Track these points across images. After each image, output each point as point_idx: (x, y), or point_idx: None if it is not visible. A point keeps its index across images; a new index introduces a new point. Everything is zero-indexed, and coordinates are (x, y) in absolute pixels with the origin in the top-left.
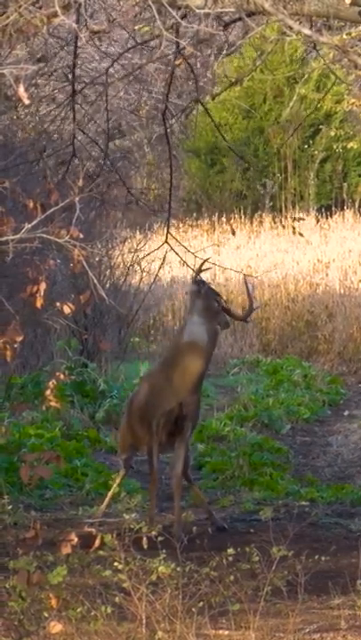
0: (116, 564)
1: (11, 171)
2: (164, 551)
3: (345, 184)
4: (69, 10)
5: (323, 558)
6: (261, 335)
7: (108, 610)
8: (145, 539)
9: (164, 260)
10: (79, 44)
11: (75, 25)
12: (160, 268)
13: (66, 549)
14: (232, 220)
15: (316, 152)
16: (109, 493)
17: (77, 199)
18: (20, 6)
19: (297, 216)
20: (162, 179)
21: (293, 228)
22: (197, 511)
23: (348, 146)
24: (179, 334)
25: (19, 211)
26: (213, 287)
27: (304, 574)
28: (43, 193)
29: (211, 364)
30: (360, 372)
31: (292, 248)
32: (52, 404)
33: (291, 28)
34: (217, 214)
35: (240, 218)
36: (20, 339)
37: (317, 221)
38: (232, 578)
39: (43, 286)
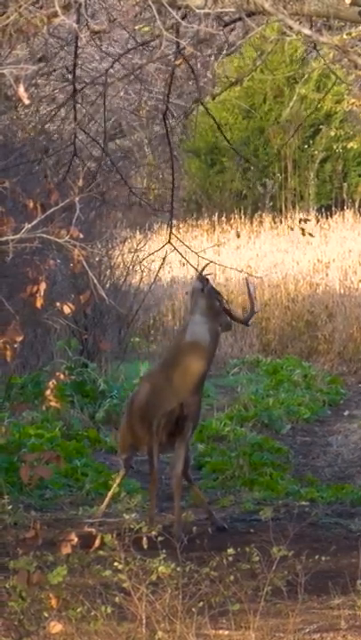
0: (116, 563)
1: (11, 171)
2: (164, 551)
3: (345, 184)
4: (70, 10)
5: (323, 558)
6: (261, 335)
7: (108, 610)
8: (145, 539)
9: (164, 260)
10: (79, 43)
11: (75, 25)
12: (160, 267)
13: (66, 549)
14: (232, 220)
15: (316, 152)
16: (109, 493)
17: (77, 199)
18: (20, 6)
19: (304, 217)
20: (162, 179)
21: (302, 230)
22: (197, 511)
23: (349, 146)
24: (180, 334)
25: (19, 211)
26: (215, 287)
27: (304, 574)
28: (43, 193)
29: (212, 363)
30: (360, 371)
31: (292, 248)
32: (52, 403)
33: (291, 28)
34: (217, 214)
35: (240, 218)
36: (19, 339)
37: (317, 221)
38: (232, 578)
39: (43, 286)
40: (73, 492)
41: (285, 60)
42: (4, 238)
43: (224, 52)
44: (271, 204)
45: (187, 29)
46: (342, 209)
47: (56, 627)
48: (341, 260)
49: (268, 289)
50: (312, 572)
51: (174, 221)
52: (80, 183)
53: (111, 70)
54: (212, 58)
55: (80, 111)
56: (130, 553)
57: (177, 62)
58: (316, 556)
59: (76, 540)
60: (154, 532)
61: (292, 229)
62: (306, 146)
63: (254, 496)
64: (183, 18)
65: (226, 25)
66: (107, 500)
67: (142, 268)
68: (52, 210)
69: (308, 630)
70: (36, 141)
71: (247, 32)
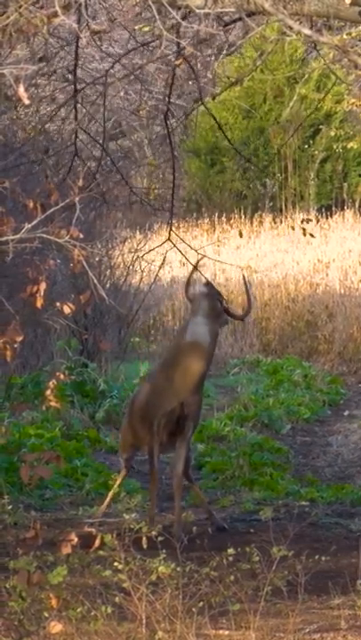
0: (116, 564)
1: (11, 171)
2: (164, 551)
3: (345, 184)
4: (70, 10)
5: (323, 558)
6: (261, 335)
7: (108, 610)
8: (145, 539)
9: (164, 260)
10: (80, 44)
11: (75, 25)
12: (160, 267)
13: (66, 549)
14: (232, 220)
15: (316, 152)
16: (110, 493)
17: (77, 199)
18: (20, 6)
19: (306, 217)
20: (162, 179)
21: (304, 230)
22: (197, 511)
23: (349, 146)
24: (180, 334)
25: (19, 211)
26: (216, 287)
27: (304, 574)
28: (43, 193)
29: (211, 364)
30: (360, 371)
31: (292, 248)
32: (52, 404)
33: (291, 28)
34: (217, 214)
35: (240, 218)
36: (20, 339)
37: (317, 221)
38: (232, 578)
39: (43, 286)
40: (73, 492)
41: (285, 60)
42: (4, 238)
43: (224, 52)
44: (271, 204)
45: (187, 29)
46: (342, 209)
47: (56, 627)
48: (342, 260)
49: (268, 289)
50: (312, 572)
51: (174, 221)
52: (80, 183)
53: (111, 70)
54: (212, 58)
55: (80, 111)
56: (130, 553)
57: (177, 62)
58: (316, 556)
59: (76, 539)
60: (154, 532)
61: (293, 229)
62: (306, 146)
63: (254, 496)
64: (183, 18)
65: (226, 25)
66: (107, 500)
67: (142, 267)
68: (51, 210)
69: (308, 630)
70: (36, 141)
71: (247, 32)
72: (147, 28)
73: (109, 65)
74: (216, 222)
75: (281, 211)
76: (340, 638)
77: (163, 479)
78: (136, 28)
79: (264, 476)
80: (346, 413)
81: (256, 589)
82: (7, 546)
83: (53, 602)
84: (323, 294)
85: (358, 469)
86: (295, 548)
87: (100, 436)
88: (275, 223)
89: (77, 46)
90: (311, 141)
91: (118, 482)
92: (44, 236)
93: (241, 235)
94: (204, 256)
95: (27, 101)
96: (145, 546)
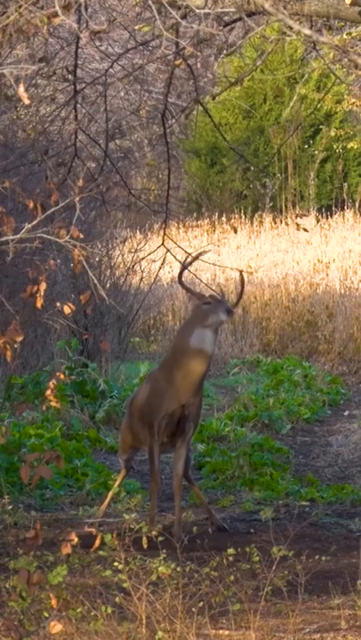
0: (116, 564)
1: (11, 171)
2: (164, 551)
3: (345, 184)
4: (70, 10)
5: (323, 558)
6: (262, 335)
7: (108, 610)
8: (145, 539)
9: (164, 260)
10: (79, 44)
11: (75, 25)
12: (160, 268)
13: (66, 549)
14: (232, 220)
15: (316, 152)
16: (110, 493)
17: (77, 199)
18: (20, 6)
19: (300, 212)
20: (162, 179)
21: (297, 225)
22: (198, 511)
23: (349, 146)
24: (182, 337)
25: (19, 211)
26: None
27: (304, 574)
28: (43, 193)
29: (211, 364)
30: (360, 371)
31: (292, 248)
32: (53, 404)
33: (291, 28)
34: (217, 214)
35: (240, 218)
36: (20, 339)
37: (318, 221)
38: (232, 578)
39: (43, 286)
40: (73, 492)
41: (285, 60)
42: (4, 238)
43: (224, 52)
44: (271, 204)
45: (187, 29)
46: (343, 209)
47: (56, 627)
48: (342, 260)
49: (269, 289)
50: (312, 572)
51: (173, 222)
52: (80, 183)
53: (111, 70)
54: (212, 58)
55: (80, 111)
56: (130, 553)
57: (177, 62)
58: (316, 556)
59: (76, 539)
60: (154, 532)
61: (287, 225)
62: (306, 146)
63: (254, 496)
64: (183, 18)
65: (226, 25)
66: (107, 500)
67: (142, 267)
68: (52, 210)
69: (308, 630)
70: (36, 142)
71: (247, 32)
72: (147, 28)
73: (109, 65)
74: (216, 222)
75: (281, 211)
76: (340, 638)
77: (162, 479)
78: (136, 28)
79: (264, 476)
80: (346, 413)
81: (256, 589)
82: (7, 546)
83: (53, 602)
84: (323, 294)
85: (358, 469)
86: (295, 548)
87: (100, 436)
88: (275, 223)
89: (77, 46)
90: (311, 141)
91: (118, 482)
92: (45, 236)
93: (235, 230)
94: (189, 254)
95: (27, 101)
96: (145, 546)
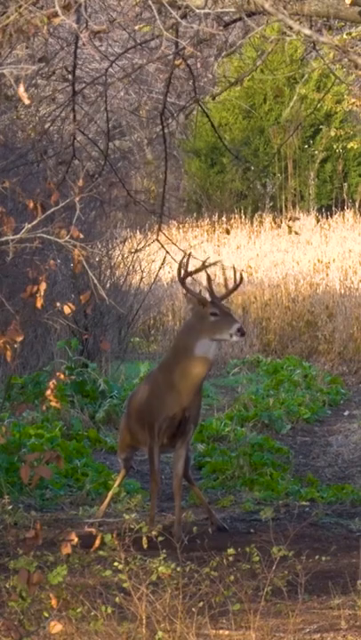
0: (116, 564)
1: (11, 171)
2: (164, 551)
3: (345, 184)
4: (70, 10)
5: (323, 558)
6: (262, 335)
7: (108, 610)
8: (145, 539)
9: (164, 260)
10: (79, 44)
11: (75, 25)
12: (160, 268)
13: (66, 549)
14: (232, 220)
15: (316, 152)
16: (110, 493)
17: (77, 199)
18: (20, 6)
19: (293, 215)
20: (162, 179)
21: (289, 227)
22: (198, 511)
23: (349, 146)
24: (186, 345)
25: (19, 211)
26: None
27: (304, 574)
28: (43, 193)
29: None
30: (360, 371)
31: (292, 248)
32: (53, 404)
33: (291, 28)
34: (217, 214)
35: (240, 218)
36: (20, 339)
37: (318, 221)
38: (232, 578)
39: (43, 286)
40: (73, 492)
41: (285, 60)
42: (5, 238)
43: (224, 52)
44: (271, 204)
45: (187, 29)
46: (343, 209)
47: (56, 627)
48: (342, 260)
49: (269, 289)
50: (312, 572)
51: (174, 221)
52: (80, 183)
53: (111, 70)
54: (212, 58)
55: (80, 112)
56: (130, 553)
57: (176, 62)
58: (316, 556)
59: (76, 539)
60: (154, 532)
61: (279, 227)
62: (306, 146)
63: (254, 496)
64: (183, 18)
65: (226, 25)
66: (107, 500)
67: (142, 267)
68: (52, 210)
69: (308, 630)
70: (36, 142)
71: (247, 32)
72: (147, 28)
73: (109, 65)
74: (216, 222)
75: (281, 211)
76: (340, 638)
77: (163, 479)
78: (136, 28)
79: (264, 476)
80: (346, 413)
81: (256, 589)
82: (7, 546)
83: (53, 602)
84: (323, 294)
85: (358, 469)
86: (295, 548)
87: (100, 436)
88: (275, 223)
89: (76, 46)
90: (311, 141)
91: (118, 482)
92: (45, 236)
93: (228, 232)
94: (186, 252)
95: (27, 101)
96: (145, 546)
